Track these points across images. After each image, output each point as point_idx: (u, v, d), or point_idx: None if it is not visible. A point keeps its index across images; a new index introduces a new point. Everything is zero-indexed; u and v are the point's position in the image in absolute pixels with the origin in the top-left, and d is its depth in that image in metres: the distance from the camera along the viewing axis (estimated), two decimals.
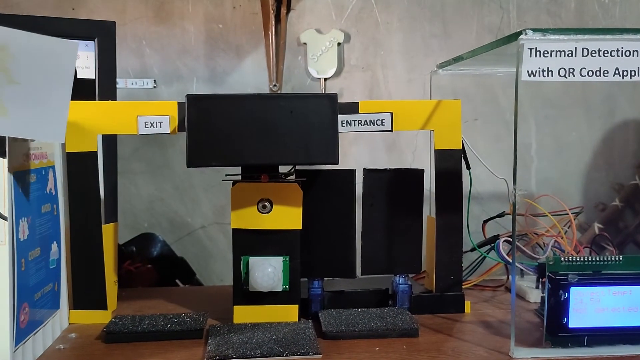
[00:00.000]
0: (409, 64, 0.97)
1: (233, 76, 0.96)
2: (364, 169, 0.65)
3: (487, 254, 0.68)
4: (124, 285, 0.77)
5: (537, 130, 0.96)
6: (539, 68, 0.51)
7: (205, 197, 0.94)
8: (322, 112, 0.57)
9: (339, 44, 0.96)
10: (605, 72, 0.51)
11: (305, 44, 0.96)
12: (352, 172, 0.64)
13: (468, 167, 0.66)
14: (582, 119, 0.97)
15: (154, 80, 0.95)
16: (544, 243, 0.69)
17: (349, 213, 0.64)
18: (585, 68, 0.51)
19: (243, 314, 0.60)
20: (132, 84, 0.94)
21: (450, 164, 0.64)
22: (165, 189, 0.94)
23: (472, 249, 0.69)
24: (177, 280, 0.86)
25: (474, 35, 0.97)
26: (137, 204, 0.93)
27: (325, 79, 0.95)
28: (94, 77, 0.77)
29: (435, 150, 0.64)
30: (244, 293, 0.60)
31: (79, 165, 0.60)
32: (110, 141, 0.75)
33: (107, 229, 0.62)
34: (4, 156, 0.47)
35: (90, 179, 0.61)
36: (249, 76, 0.96)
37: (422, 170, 0.65)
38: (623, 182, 0.95)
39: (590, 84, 0.96)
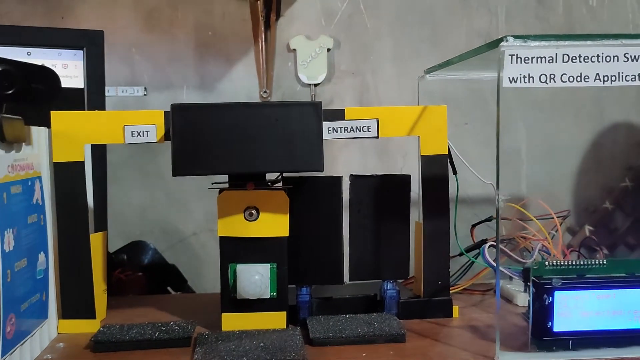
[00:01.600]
0: (399, 69, 0.97)
1: (223, 83, 0.97)
2: (351, 176, 0.65)
3: (475, 258, 0.68)
4: (114, 293, 0.77)
5: (527, 133, 0.96)
6: (520, 74, 0.51)
7: (197, 204, 0.94)
8: (307, 120, 0.57)
9: (328, 49, 0.97)
10: (586, 77, 0.52)
11: (294, 50, 0.96)
12: (338, 179, 0.64)
13: (454, 172, 0.66)
14: (571, 122, 0.98)
15: (145, 88, 0.95)
16: (532, 247, 0.69)
17: (336, 219, 0.64)
18: (566, 74, 0.52)
19: (231, 321, 0.60)
20: (123, 91, 0.94)
21: (437, 170, 0.64)
22: (156, 196, 0.94)
23: (460, 254, 0.70)
24: (168, 288, 0.86)
25: (463, 39, 0.97)
26: (128, 211, 0.93)
27: (316, 85, 0.96)
28: (82, 87, 0.77)
29: (421, 155, 0.64)
30: (232, 301, 0.60)
31: (66, 175, 0.61)
32: (99, 150, 0.75)
33: (96, 238, 0.63)
34: None
35: (78, 188, 0.61)
36: (239, 83, 0.96)
37: (409, 176, 0.66)
38: (613, 185, 0.95)
39: (579, 87, 0.97)
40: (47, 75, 0.54)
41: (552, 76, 0.51)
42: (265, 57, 0.95)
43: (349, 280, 0.65)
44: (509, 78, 0.51)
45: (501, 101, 0.97)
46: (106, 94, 0.88)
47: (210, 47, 0.96)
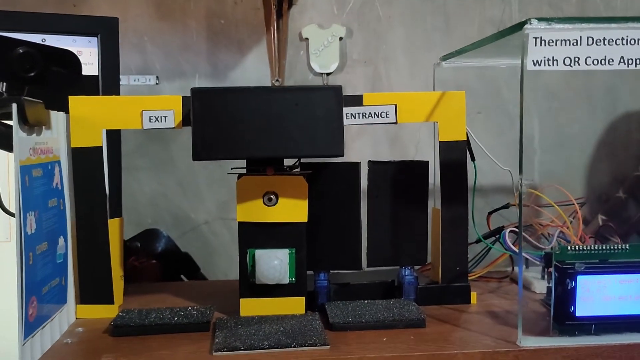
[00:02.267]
0: (411, 58, 0.97)
1: (235, 72, 0.96)
2: (369, 162, 0.65)
3: (493, 245, 0.68)
4: (129, 280, 0.76)
5: (540, 122, 0.96)
6: (544, 57, 0.51)
7: (209, 193, 0.94)
8: (327, 105, 0.57)
9: (340, 38, 0.96)
10: (611, 60, 0.51)
11: (307, 39, 0.96)
12: (357, 165, 0.64)
13: (473, 159, 0.66)
14: (584, 111, 0.97)
15: (157, 77, 0.95)
16: (548, 234, 0.69)
17: (354, 205, 0.64)
18: (590, 57, 0.51)
19: (250, 306, 0.60)
20: (135, 80, 0.94)
21: (455, 156, 0.64)
22: (168, 184, 0.94)
23: (477, 241, 0.70)
24: (181, 276, 0.86)
25: (476, 28, 0.97)
26: (140, 199, 0.93)
27: (328, 74, 0.95)
28: (97, 74, 0.77)
29: (440, 142, 0.64)
30: (251, 286, 0.60)
31: (84, 160, 0.60)
32: (114, 137, 0.75)
33: (113, 224, 0.62)
34: (10, 150, 0.47)
35: (96, 174, 0.61)
36: (251, 72, 0.96)
37: (427, 162, 0.65)
38: (626, 174, 0.95)
39: (593, 76, 0.96)
40: (68, 59, 0.54)
41: (577, 59, 0.51)
42: (277, 46, 0.95)
43: (367, 267, 0.65)
44: (533, 61, 0.51)
45: (515, 90, 0.96)
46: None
47: (222, 36, 0.96)
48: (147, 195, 0.93)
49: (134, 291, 0.69)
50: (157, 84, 0.95)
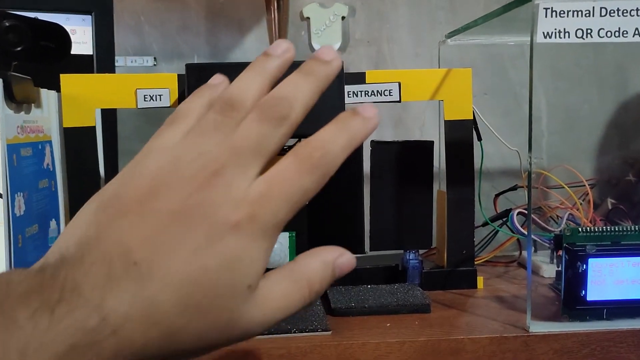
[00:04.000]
0: (415, 38, 0.94)
1: (235, 52, 0.94)
2: (372, 141, 0.63)
3: (500, 228, 0.66)
4: None
5: (548, 103, 0.93)
6: (555, 29, 0.48)
7: None
8: None
9: (343, 18, 0.93)
10: (625, 32, 0.49)
11: (308, 18, 0.93)
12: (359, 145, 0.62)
13: (479, 138, 0.64)
14: (594, 91, 0.94)
15: (154, 58, 0.92)
16: (557, 216, 0.67)
17: (357, 187, 0.61)
18: (603, 29, 0.49)
19: None
20: (132, 61, 0.92)
21: (461, 135, 0.61)
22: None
23: (484, 224, 0.67)
24: None
25: (481, 6, 0.94)
26: None
27: None
28: (91, 53, 0.74)
29: (445, 121, 0.62)
30: None
31: (76, 140, 0.58)
32: (110, 117, 0.73)
33: None
34: None
35: (89, 155, 0.59)
36: (251, 52, 0.94)
37: (432, 142, 0.63)
38: (637, 156, 0.92)
39: (602, 55, 0.94)
40: (58, 33, 0.52)
41: (589, 31, 0.49)
42: (277, 26, 0.92)
43: (370, 250, 0.63)
44: (544, 33, 0.48)
45: (522, 70, 0.94)
46: (115, 63, 0.86)
47: (221, 16, 0.93)
48: None
49: None
50: (154, 65, 0.92)
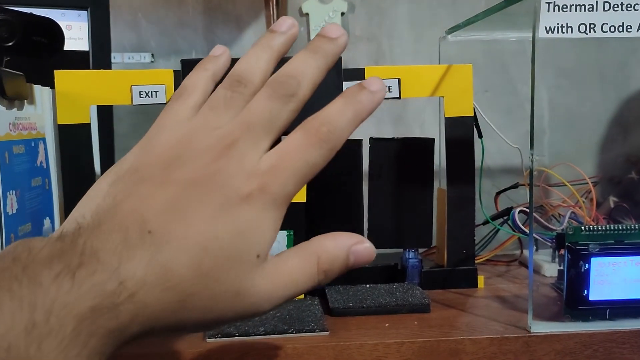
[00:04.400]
0: (416, 34, 0.93)
1: (233, 49, 0.93)
2: (371, 138, 0.62)
3: (501, 226, 0.65)
4: None
5: (550, 101, 0.92)
6: (558, 24, 0.47)
7: None
8: (326, 76, 0.53)
9: (342, 14, 0.92)
10: (629, 27, 0.48)
11: (307, 14, 0.92)
12: (358, 142, 0.61)
13: (480, 135, 0.63)
14: (596, 89, 0.93)
15: (152, 55, 0.91)
16: (559, 214, 0.66)
17: (355, 185, 0.61)
18: (607, 23, 0.48)
19: None
20: (129, 58, 0.91)
21: (462, 132, 0.61)
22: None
23: (485, 222, 0.67)
24: None
25: (482, 3, 0.93)
26: None
27: None
28: (87, 49, 0.74)
29: (445, 117, 0.61)
30: None
31: (71, 138, 0.57)
32: (105, 114, 0.72)
33: None
34: None
35: (84, 152, 0.58)
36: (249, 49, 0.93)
37: (432, 139, 0.62)
38: (639, 154, 0.91)
39: (605, 52, 0.93)
40: (50, 28, 0.51)
41: (592, 26, 0.48)
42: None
43: None
44: (546, 28, 0.47)
45: (523, 67, 0.93)
46: (112, 60, 0.85)
47: (219, 12, 0.92)
48: None
49: None
50: (152, 61, 0.91)
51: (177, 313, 0.26)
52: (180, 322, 0.27)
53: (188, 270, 0.26)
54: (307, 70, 0.32)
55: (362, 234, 0.61)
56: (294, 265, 0.30)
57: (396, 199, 0.62)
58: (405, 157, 0.62)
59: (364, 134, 0.91)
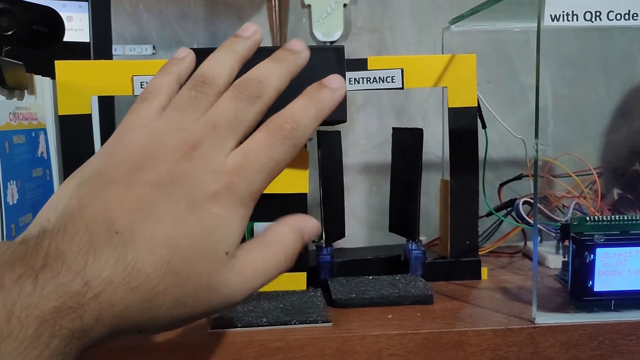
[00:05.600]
0: (419, 26, 0.93)
1: None
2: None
3: (505, 218, 0.65)
4: None
5: (554, 92, 0.91)
6: (563, 12, 0.47)
7: None
8: (329, 66, 0.53)
9: (344, 5, 0.92)
10: (635, 15, 0.47)
11: (309, 5, 0.91)
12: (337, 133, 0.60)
13: (484, 126, 0.62)
14: (600, 79, 0.93)
15: (153, 46, 0.91)
16: (563, 206, 0.65)
17: (338, 175, 0.61)
18: (613, 11, 0.47)
19: None
20: (131, 50, 0.90)
21: (465, 123, 0.60)
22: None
23: (488, 214, 0.66)
24: None
25: None
26: None
27: (332, 42, 0.91)
28: (88, 41, 0.73)
29: (449, 108, 0.60)
30: None
31: (72, 128, 0.57)
32: (107, 106, 0.71)
33: None
34: None
35: (85, 143, 0.58)
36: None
37: (421, 130, 0.61)
38: None
39: (609, 42, 0.92)
40: (50, 17, 0.50)
41: (598, 14, 0.47)
42: (278, 14, 0.91)
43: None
44: (551, 16, 0.47)
45: (527, 58, 0.92)
46: (113, 52, 0.84)
47: (220, 3, 0.91)
48: None
49: None
50: (153, 53, 0.91)
51: (145, 311, 0.27)
52: (149, 320, 0.27)
53: (155, 268, 0.27)
54: (271, 76, 0.33)
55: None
56: (261, 257, 0.31)
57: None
58: (394, 147, 0.61)
59: (367, 126, 0.91)
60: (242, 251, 0.30)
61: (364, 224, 0.88)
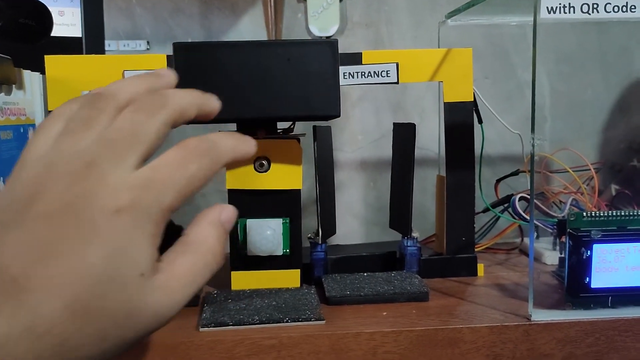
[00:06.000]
0: (415, 20, 0.92)
1: (229, 36, 0.91)
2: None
3: (502, 214, 0.64)
4: None
5: (551, 87, 0.91)
6: (560, 4, 0.46)
7: None
8: (322, 60, 0.52)
9: (340, 0, 0.91)
10: (633, 7, 0.47)
11: (305, 0, 0.91)
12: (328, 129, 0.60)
13: (480, 121, 0.61)
14: (598, 75, 0.92)
15: (147, 42, 0.90)
16: (560, 201, 0.65)
17: (329, 174, 0.61)
18: (610, 3, 0.46)
19: (241, 280, 0.56)
20: (124, 45, 0.89)
21: (461, 118, 0.59)
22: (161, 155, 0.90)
23: (485, 210, 0.65)
24: None
25: None
26: None
27: (327, 37, 0.90)
28: (80, 35, 0.72)
29: (444, 103, 0.59)
30: (242, 258, 0.56)
31: None
32: None
33: None
34: None
35: None
36: (246, 35, 0.91)
37: (414, 125, 0.61)
38: None
39: (607, 37, 0.91)
40: (38, 11, 0.49)
41: (595, 6, 0.46)
42: (273, 8, 0.90)
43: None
44: (547, 8, 0.46)
45: (524, 53, 0.91)
46: (107, 48, 0.84)
47: None
48: None
49: None
50: (148, 49, 0.90)
51: (63, 355, 0.25)
52: None
53: (61, 310, 0.24)
54: (176, 92, 0.32)
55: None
56: (188, 263, 0.29)
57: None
58: (394, 143, 0.61)
59: (363, 122, 0.91)
60: (164, 263, 0.28)
61: (361, 220, 0.87)
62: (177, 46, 0.52)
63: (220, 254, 0.31)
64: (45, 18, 0.50)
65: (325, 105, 0.52)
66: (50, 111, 0.56)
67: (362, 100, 0.91)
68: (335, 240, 0.78)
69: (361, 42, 0.92)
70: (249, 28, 0.91)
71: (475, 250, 0.62)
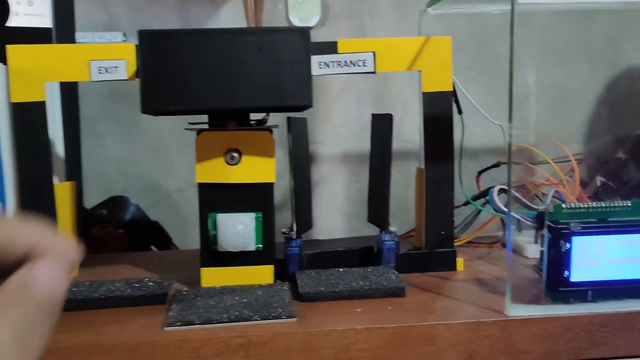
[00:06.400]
0: (398, 11, 0.90)
1: (208, 27, 0.89)
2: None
3: (483, 207, 0.62)
4: (93, 251, 0.71)
5: (536, 79, 0.89)
6: None
7: (181, 159, 0.87)
8: (294, 48, 0.51)
9: None
10: None
11: None
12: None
13: (460, 112, 0.60)
14: (584, 67, 0.91)
15: (123, 34, 0.88)
16: (542, 193, 0.63)
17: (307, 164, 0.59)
18: None
19: (212, 276, 0.54)
20: (100, 37, 0.87)
21: (440, 108, 0.58)
22: (136, 150, 0.88)
23: (466, 203, 0.64)
24: (152, 246, 0.80)
25: None
26: (107, 167, 0.87)
27: (308, 29, 0.88)
28: (50, 26, 0.70)
29: (423, 93, 0.58)
30: (213, 254, 0.54)
31: (25, 117, 0.54)
32: (70, 95, 0.68)
33: (62, 188, 0.57)
34: None
35: (39, 132, 0.55)
36: (225, 26, 0.89)
37: (391, 115, 0.59)
38: (627, 133, 0.88)
39: (592, 27, 0.89)
40: None
41: None
42: None
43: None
44: None
45: (508, 43, 0.89)
46: (82, 40, 0.82)
47: None
48: (114, 162, 0.87)
49: (94, 262, 0.64)
50: (124, 41, 0.88)
51: None
52: None
53: None
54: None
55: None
56: (11, 325, 0.24)
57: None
58: (372, 135, 0.59)
59: (345, 114, 0.89)
60: None
61: (343, 214, 0.85)
62: (143, 34, 0.50)
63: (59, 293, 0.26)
64: (1, 5, 0.48)
65: (297, 95, 0.50)
66: (13, 103, 0.54)
67: (343, 92, 0.89)
68: (316, 234, 0.76)
69: (344, 33, 0.90)
70: (229, 19, 0.88)
71: (456, 244, 0.61)
